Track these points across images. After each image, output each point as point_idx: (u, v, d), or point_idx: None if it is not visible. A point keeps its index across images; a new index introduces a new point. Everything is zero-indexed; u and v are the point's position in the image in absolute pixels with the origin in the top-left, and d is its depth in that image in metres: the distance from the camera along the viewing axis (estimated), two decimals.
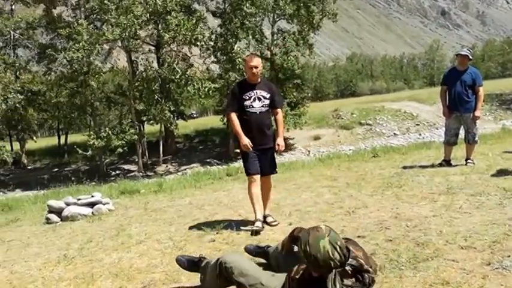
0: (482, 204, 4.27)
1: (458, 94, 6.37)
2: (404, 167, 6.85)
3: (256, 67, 4.34)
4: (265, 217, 4.47)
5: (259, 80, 4.48)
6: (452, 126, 6.57)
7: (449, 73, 6.75)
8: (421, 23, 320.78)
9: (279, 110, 4.60)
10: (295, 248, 2.51)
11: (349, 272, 1.96)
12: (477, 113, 6.38)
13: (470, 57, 6.51)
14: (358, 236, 3.75)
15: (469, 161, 6.42)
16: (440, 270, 2.90)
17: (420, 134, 26.08)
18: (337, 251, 1.93)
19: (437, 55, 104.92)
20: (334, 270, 1.90)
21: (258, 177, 4.40)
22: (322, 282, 1.94)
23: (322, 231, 2.03)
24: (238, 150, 4.74)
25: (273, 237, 4.03)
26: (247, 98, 4.36)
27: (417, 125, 28.27)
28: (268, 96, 4.43)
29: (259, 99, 4.39)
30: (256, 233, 4.15)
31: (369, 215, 4.39)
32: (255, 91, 4.39)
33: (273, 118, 4.64)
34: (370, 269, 2.06)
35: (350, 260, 1.99)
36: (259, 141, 4.39)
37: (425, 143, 11.11)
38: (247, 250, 3.37)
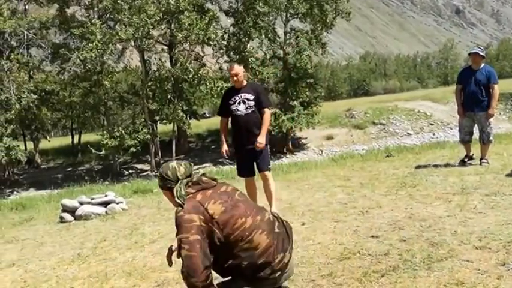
0: (497, 204, 4.21)
1: (473, 93, 6.31)
2: (418, 167, 6.78)
3: (236, 75, 4.64)
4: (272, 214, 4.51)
5: (244, 83, 4.73)
6: (465, 124, 6.54)
7: (464, 72, 6.68)
8: (435, 21, 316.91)
9: (265, 109, 4.76)
10: None
11: (191, 183, 2.45)
12: (491, 111, 6.30)
13: (482, 54, 6.42)
14: (372, 236, 3.73)
15: (483, 160, 6.34)
16: (455, 270, 2.88)
17: (434, 134, 25.76)
18: (182, 167, 2.50)
19: (452, 54, 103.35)
20: (180, 181, 2.43)
21: (249, 178, 4.77)
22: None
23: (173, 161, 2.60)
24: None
25: None
26: (233, 102, 4.66)
27: (431, 124, 27.91)
28: (252, 98, 4.65)
29: (244, 102, 4.64)
30: None
31: (382, 215, 4.36)
32: (239, 95, 4.66)
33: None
34: (206, 179, 2.52)
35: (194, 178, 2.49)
36: (249, 141, 4.63)
37: (440, 143, 10.97)
38: None
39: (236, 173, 4.98)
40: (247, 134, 4.65)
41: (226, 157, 4.76)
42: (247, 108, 4.64)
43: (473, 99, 6.31)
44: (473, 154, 6.54)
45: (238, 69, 4.69)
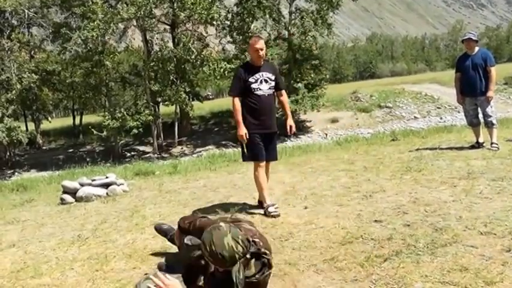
0: (503, 190, 4.16)
1: (472, 78, 6.39)
2: (424, 151, 6.72)
3: (262, 49, 4.26)
4: (260, 202, 4.45)
5: (262, 61, 4.39)
6: (469, 108, 6.58)
7: (461, 59, 6.72)
8: (444, 2, 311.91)
9: (283, 91, 4.54)
10: (186, 240, 2.70)
11: (250, 259, 2.23)
12: (489, 94, 6.35)
13: (475, 38, 6.54)
14: (375, 221, 3.69)
15: (494, 145, 6.29)
16: (459, 256, 2.85)
17: (441, 118, 25.50)
18: (240, 245, 2.16)
19: (460, 36, 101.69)
20: (238, 262, 2.15)
21: (264, 163, 4.36)
22: (229, 274, 2.20)
23: (223, 228, 2.21)
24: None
25: (288, 220, 4.01)
26: (254, 80, 4.26)
27: (438, 108, 27.65)
28: (273, 78, 4.35)
29: (266, 81, 4.30)
30: (276, 216, 4.12)
31: (386, 199, 4.31)
32: (260, 73, 4.30)
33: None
34: (267, 251, 2.33)
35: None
36: (270, 124, 4.35)
37: (446, 127, 10.92)
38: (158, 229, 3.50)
39: (245, 158, 4.40)
40: (268, 116, 4.29)
41: (246, 141, 4.23)
42: (269, 88, 4.29)
43: (473, 84, 6.39)
44: (483, 142, 6.48)
45: (263, 44, 4.29)
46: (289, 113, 4.52)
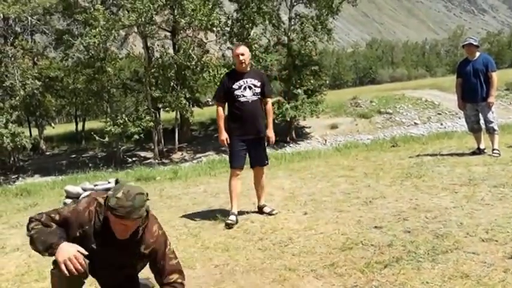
0: (505, 196, 4.14)
1: (473, 84, 6.33)
2: (425, 157, 6.69)
3: (242, 54, 4.31)
4: (262, 207, 4.48)
5: (248, 68, 4.44)
6: (470, 113, 6.52)
7: (462, 64, 6.67)
8: (445, 7, 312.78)
9: (269, 99, 4.55)
10: None
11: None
12: (490, 100, 6.28)
13: (476, 44, 6.47)
14: (376, 227, 3.68)
15: (495, 151, 6.25)
16: (460, 262, 2.84)
17: (442, 124, 25.52)
18: (125, 183, 2.30)
19: (461, 41, 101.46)
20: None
21: (240, 171, 4.42)
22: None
23: (115, 193, 2.16)
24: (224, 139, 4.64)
25: (288, 226, 4.00)
26: (237, 87, 4.31)
27: (439, 114, 27.65)
28: (258, 84, 4.38)
29: (250, 87, 4.33)
30: (229, 226, 4.16)
31: (386, 205, 4.29)
32: (244, 80, 4.33)
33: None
34: None
35: None
36: (253, 130, 4.36)
37: (447, 133, 10.89)
38: None
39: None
40: (252, 122, 4.31)
41: (226, 145, 4.37)
42: (254, 94, 4.31)
43: (474, 90, 6.33)
44: (484, 148, 6.45)
45: (244, 49, 4.35)
46: (270, 121, 4.52)
